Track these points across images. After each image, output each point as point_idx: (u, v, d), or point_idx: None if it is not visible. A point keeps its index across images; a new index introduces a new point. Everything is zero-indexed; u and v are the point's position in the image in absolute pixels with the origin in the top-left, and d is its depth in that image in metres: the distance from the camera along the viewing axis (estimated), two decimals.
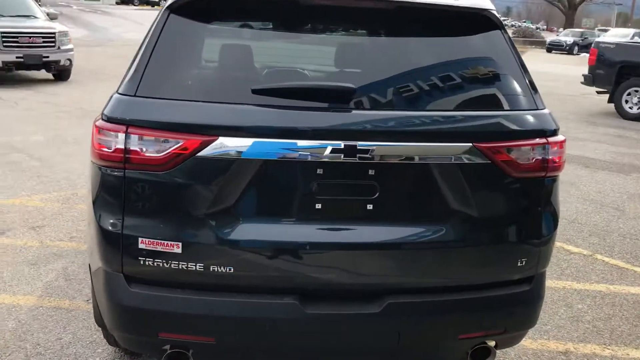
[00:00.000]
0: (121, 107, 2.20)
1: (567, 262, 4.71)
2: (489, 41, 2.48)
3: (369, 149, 2.16)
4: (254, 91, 2.18)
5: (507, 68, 2.43)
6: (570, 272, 4.55)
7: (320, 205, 2.21)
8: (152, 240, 2.18)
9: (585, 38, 38.84)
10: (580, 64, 23.48)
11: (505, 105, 2.40)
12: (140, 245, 2.19)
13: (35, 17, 13.24)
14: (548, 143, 2.35)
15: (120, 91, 2.25)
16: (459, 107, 2.35)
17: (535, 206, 2.40)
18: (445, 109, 2.33)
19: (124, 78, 2.31)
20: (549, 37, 45.23)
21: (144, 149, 2.15)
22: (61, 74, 13.03)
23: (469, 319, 2.38)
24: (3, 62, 11.97)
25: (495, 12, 2.48)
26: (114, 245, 2.23)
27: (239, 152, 2.13)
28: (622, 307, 4.00)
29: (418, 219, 2.31)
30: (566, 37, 40.03)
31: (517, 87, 2.41)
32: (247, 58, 2.50)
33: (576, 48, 37.83)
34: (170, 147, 2.14)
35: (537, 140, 2.34)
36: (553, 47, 38.66)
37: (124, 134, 2.15)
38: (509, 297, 2.40)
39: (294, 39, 2.62)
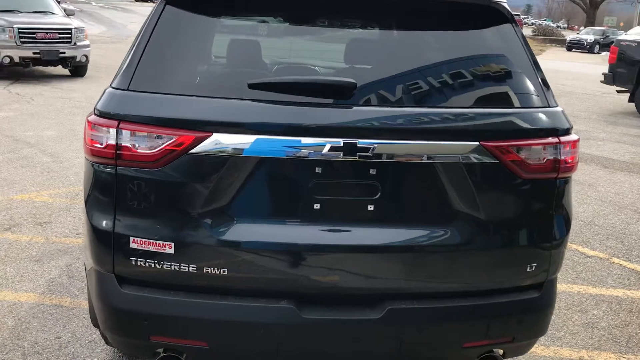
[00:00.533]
0: (113, 101, 2.14)
1: (582, 266, 4.57)
2: (498, 35, 2.36)
3: (370, 147, 2.06)
4: (251, 86, 2.10)
5: (518, 63, 2.32)
6: (586, 275, 4.40)
7: (318, 205, 2.12)
8: (144, 239, 2.11)
9: (607, 37, 38.13)
10: (600, 63, 23.09)
11: (515, 102, 2.28)
12: (132, 245, 2.12)
13: (52, 13, 13.34)
14: (560, 142, 2.23)
15: (113, 85, 2.18)
16: (465, 104, 2.24)
17: (546, 209, 2.29)
18: (451, 105, 2.22)
19: (118, 71, 2.24)
20: (570, 36, 44.59)
21: (136, 145, 2.08)
22: (77, 69, 13.11)
23: (475, 327, 2.27)
24: (20, 57, 12.05)
25: (505, 5, 2.37)
26: (106, 244, 2.17)
27: (235, 149, 2.05)
28: None
29: (421, 221, 2.21)
30: (587, 35, 39.36)
31: (528, 84, 2.29)
32: (244, 52, 2.42)
33: (597, 47, 37.17)
34: (162, 144, 2.06)
35: (549, 140, 2.23)
36: (573, 46, 38.07)
37: (116, 130, 2.08)
38: (517, 304, 2.29)
39: (296, 33, 2.54)
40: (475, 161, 2.14)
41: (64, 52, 12.48)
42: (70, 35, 12.58)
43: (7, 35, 11.98)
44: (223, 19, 2.39)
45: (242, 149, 2.05)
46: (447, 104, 2.22)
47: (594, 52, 36.11)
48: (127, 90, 2.12)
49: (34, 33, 12.17)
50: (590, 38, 38.20)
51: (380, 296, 2.20)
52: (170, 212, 2.12)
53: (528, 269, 2.28)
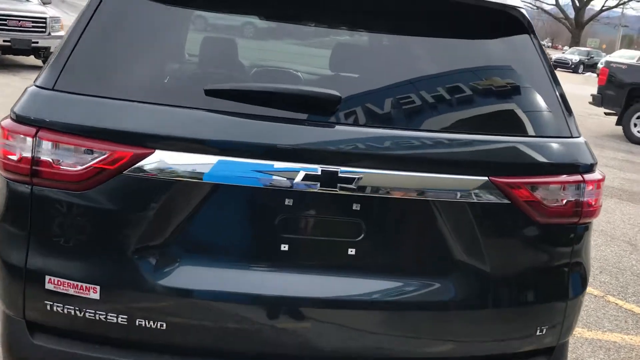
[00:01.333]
0: (33, 103, 1.70)
1: None
2: (514, 47, 1.98)
3: (354, 178, 1.66)
4: (208, 92, 1.67)
5: (536, 83, 1.93)
6: (580, 316, 4.02)
7: (286, 246, 1.71)
8: (62, 280, 1.69)
9: (592, 57, 38.46)
10: (585, 83, 23.01)
11: (531, 130, 1.89)
12: (48, 286, 1.69)
13: (27, 1, 12.78)
14: (584, 181, 1.85)
15: (37, 83, 1.75)
16: (472, 129, 1.84)
17: (562, 260, 1.91)
18: (455, 130, 1.81)
19: (44, 66, 1.81)
20: (555, 55, 44.87)
21: (58, 160, 1.65)
22: None
23: None
24: None
25: (523, 11, 1.98)
26: (15, 282, 1.74)
27: (188, 172, 1.64)
28: None
29: (413, 271, 1.80)
30: (572, 55, 39.60)
31: (547, 108, 1.91)
32: (203, 49, 1.99)
33: (581, 67, 37.42)
34: (91, 160, 1.63)
35: (570, 178, 1.85)
36: (558, 65, 38.20)
37: (33, 139, 1.64)
38: None
39: (273, 30, 2.11)
40: (483, 200, 1.74)
41: (37, 42, 11.92)
42: (44, 25, 12.05)
43: None
44: (180, 8, 1.92)
45: (199, 172, 1.64)
46: (451, 128, 1.82)
47: (578, 72, 36.32)
48: (52, 90, 1.69)
49: (5, 20, 11.62)
50: (576, 58, 38.44)
51: None
52: (96, 247, 1.69)
53: (538, 332, 1.89)
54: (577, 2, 47.13)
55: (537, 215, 1.80)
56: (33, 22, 11.96)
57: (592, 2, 47.69)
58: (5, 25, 11.60)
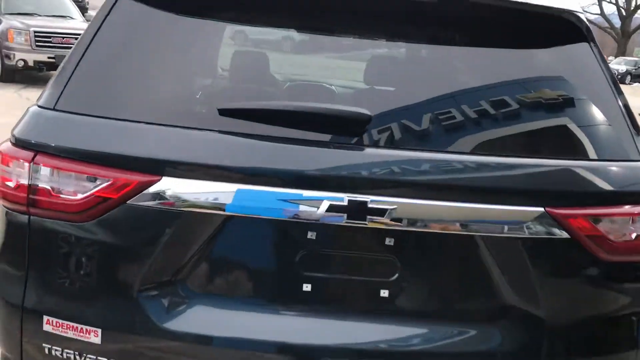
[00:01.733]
0: (33, 125, 1.57)
1: None
2: (571, 58, 1.74)
3: (387, 209, 1.45)
4: (222, 112, 1.50)
5: (597, 98, 1.69)
6: None
7: (309, 286, 1.52)
8: (61, 321, 1.54)
9: (639, 67, 37.25)
10: (632, 94, 22.16)
11: (593, 153, 1.64)
12: (46, 327, 1.56)
13: (72, 18, 13.11)
14: None
15: (39, 102, 1.61)
16: (525, 153, 1.61)
17: (631, 304, 1.65)
18: (504, 153, 1.58)
19: (48, 84, 1.67)
20: None
21: (57, 188, 1.50)
22: None
23: None
24: (34, 61, 11.80)
25: (582, 16, 1.74)
26: (12, 322, 1.61)
27: (210, 203, 1.47)
28: None
29: (456, 316, 1.59)
30: (618, 65, 38.39)
31: (612, 127, 1.66)
32: (219, 64, 1.82)
33: (629, 77, 36.25)
34: (93, 188, 1.48)
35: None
36: None
37: (29, 164, 1.50)
38: None
39: (297, 43, 1.93)
40: (538, 235, 1.51)
41: None
42: None
43: (23, 38, 11.77)
44: (194, 18, 1.72)
45: (214, 202, 1.48)
46: (500, 151, 1.59)
47: (625, 83, 35.16)
48: (53, 110, 1.55)
49: (50, 37, 11.91)
50: (622, 68, 37.26)
51: None
52: (97, 285, 1.55)
53: None
54: (623, 11, 45.90)
55: (601, 251, 1.55)
56: (76, 39, 12.19)
57: (639, 11, 46.39)
58: (49, 42, 11.90)
